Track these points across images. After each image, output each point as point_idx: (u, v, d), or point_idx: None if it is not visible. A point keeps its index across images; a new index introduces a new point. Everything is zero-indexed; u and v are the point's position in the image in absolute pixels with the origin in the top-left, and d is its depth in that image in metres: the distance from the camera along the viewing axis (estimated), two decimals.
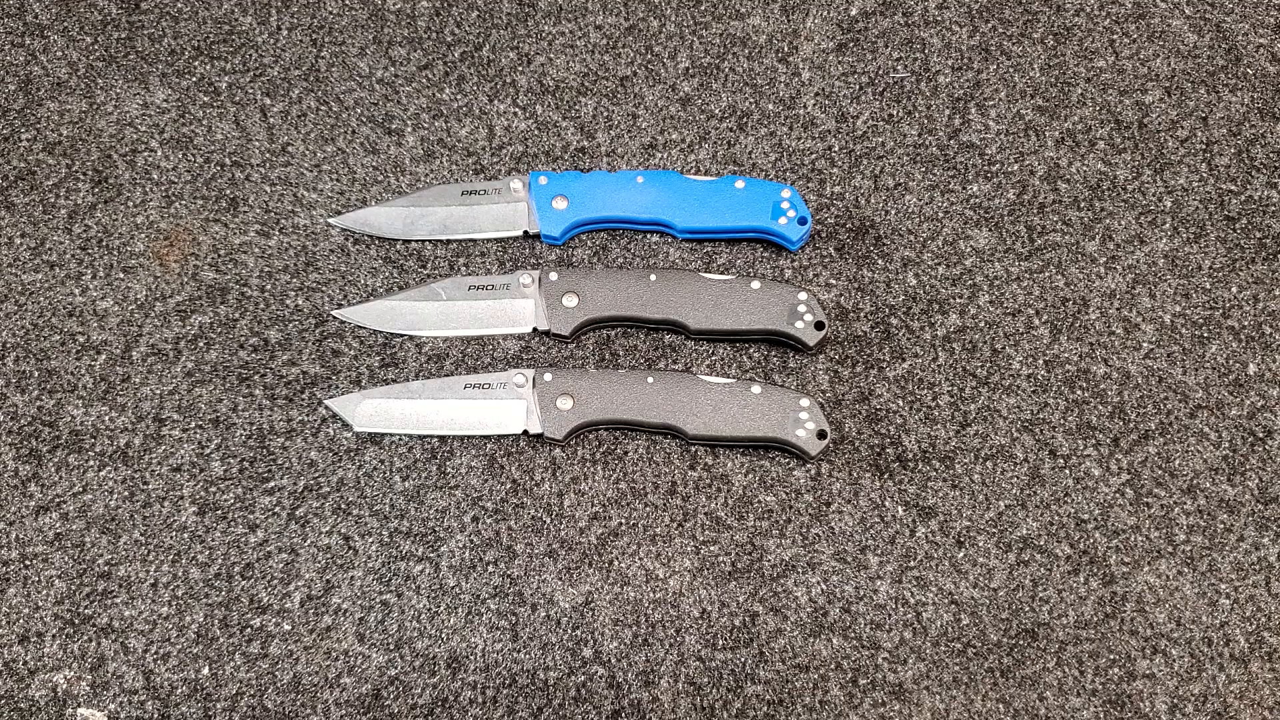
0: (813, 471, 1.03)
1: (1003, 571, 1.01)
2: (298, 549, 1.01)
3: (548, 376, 1.03)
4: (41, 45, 1.19)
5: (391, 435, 1.04)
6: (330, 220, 1.12)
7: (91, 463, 1.03)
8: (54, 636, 0.99)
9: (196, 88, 1.17)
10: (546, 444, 1.04)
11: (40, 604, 0.99)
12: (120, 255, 1.10)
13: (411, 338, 1.08)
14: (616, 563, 1.01)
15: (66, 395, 1.05)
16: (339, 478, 1.03)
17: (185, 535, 1.01)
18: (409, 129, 1.16)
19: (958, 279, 1.10)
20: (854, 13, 1.21)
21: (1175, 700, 0.98)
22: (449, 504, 1.02)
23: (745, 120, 1.16)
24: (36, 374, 1.06)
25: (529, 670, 0.98)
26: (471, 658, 0.98)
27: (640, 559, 1.01)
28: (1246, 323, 1.09)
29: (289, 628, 0.99)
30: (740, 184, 1.09)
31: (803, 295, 1.04)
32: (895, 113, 1.17)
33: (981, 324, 1.08)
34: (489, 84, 1.18)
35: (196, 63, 1.18)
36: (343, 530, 1.01)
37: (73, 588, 1.00)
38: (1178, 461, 1.04)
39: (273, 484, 1.03)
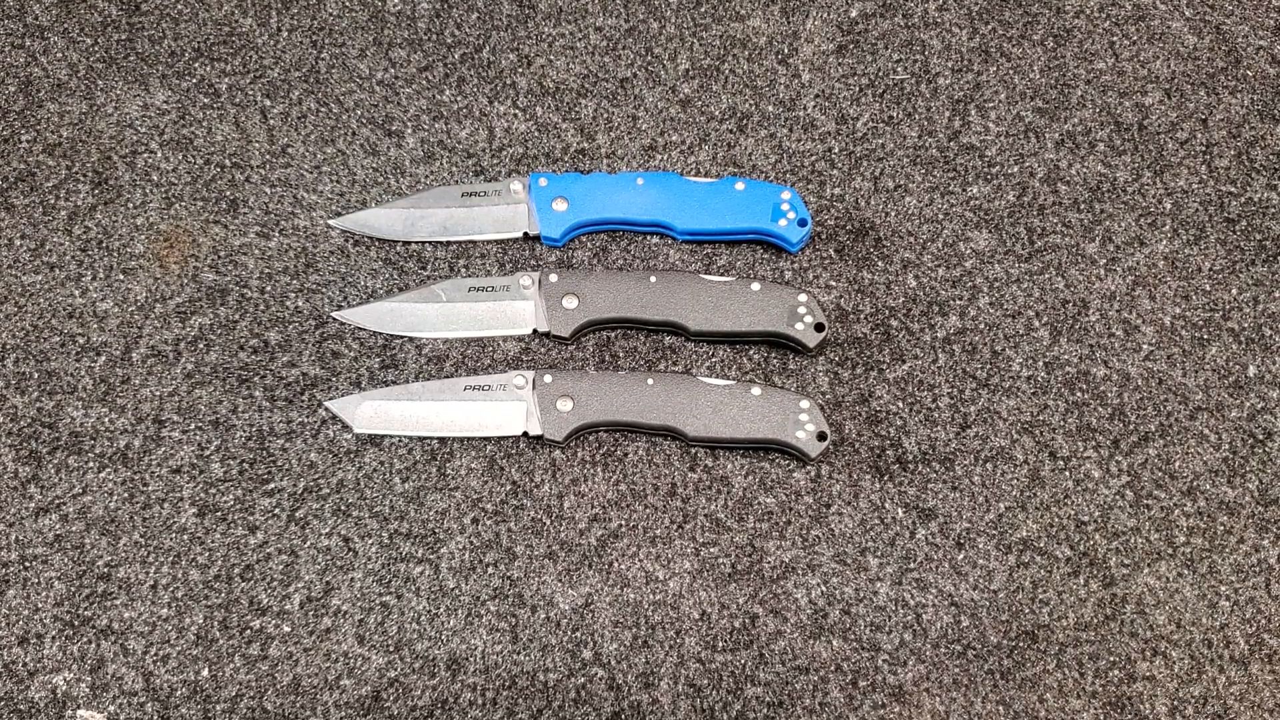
0: (812, 473, 1.03)
1: (1003, 573, 1.01)
2: (297, 551, 1.01)
3: (547, 378, 1.03)
4: (42, 47, 1.19)
5: (391, 437, 1.04)
6: (330, 222, 1.12)
7: (91, 464, 1.03)
8: (54, 638, 0.98)
9: (196, 89, 1.17)
10: (546, 446, 1.04)
11: (40, 605, 0.99)
12: (120, 257, 1.10)
13: (411, 339, 1.08)
14: (616, 564, 1.01)
15: (66, 397, 1.05)
16: (339, 479, 1.03)
17: (185, 537, 1.01)
18: (409, 130, 1.16)
19: (958, 281, 1.10)
20: (854, 14, 1.21)
21: (1175, 702, 0.98)
22: (449, 506, 1.02)
23: (745, 122, 1.16)
24: (36, 375, 1.06)
25: (529, 672, 0.98)
26: (471, 659, 0.98)
27: (640, 561, 1.01)
28: (1246, 325, 1.09)
29: (289, 629, 0.99)
30: (740, 186, 1.09)
31: (803, 297, 1.04)
32: (895, 115, 1.17)
33: (981, 326, 1.08)
34: (489, 86, 1.18)
35: (196, 64, 1.18)
36: (342, 532, 1.01)
37: (72, 589, 1.00)
38: (1178, 463, 1.04)
39: (272, 485, 1.03)
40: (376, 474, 1.03)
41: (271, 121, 1.16)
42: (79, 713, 0.97)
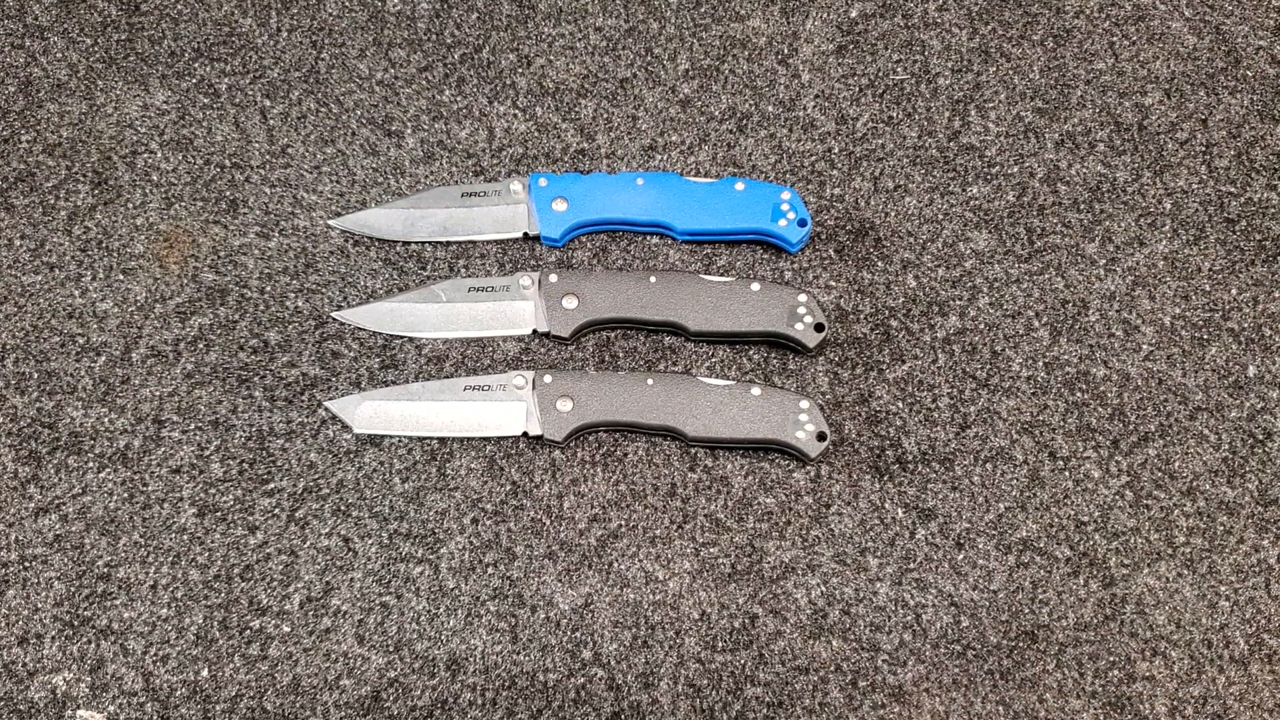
0: (812, 473, 1.03)
1: (1002, 573, 1.01)
2: (297, 551, 1.01)
3: (547, 378, 1.03)
4: (41, 47, 1.19)
5: (391, 437, 1.04)
6: (330, 222, 1.12)
7: (91, 464, 1.03)
8: (53, 638, 0.99)
9: (196, 89, 1.17)
10: (546, 446, 1.04)
11: (40, 605, 0.99)
12: (120, 257, 1.10)
13: (411, 339, 1.08)
14: (616, 565, 1.01)
15: (66, 397, 1.05)
16: (339, 479, 1.03)
17: (185, 537, 1.01)
18: (409, 131, 1.16)
19: (957, 281, 1.10)
20: (854, 15, 1.21)
21: (1175, 702, 0.98)
22: (448, 506, 1.02)
23: (745, 122, 1.16)
24: (36, 376, 1.06)
25: (528, 672, 0.98)
26: (471, 660, 0.98)
27: (640, 561, 1.01)
28: (1246, 325, 1.09)
29: (288, 629, 0.99)
30: (740, 186, 1.09)
31: (802, 297, 1.04)
32: (895, 115, 1.17)
33: (981, 326, 1.08)
34: (489, 86, 1.18)
35: (196, 64, 1.18)
36: (342, 532, 1.01)
37: (72, 589, 1.00)
38: (1177, 463, 1.04)
39: (272, 486, 1.03)
40: (376, 474, 1.03)
41: (271, 121, 1.16)
42: (79, 713, 0.97)
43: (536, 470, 1.03)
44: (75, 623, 0.99)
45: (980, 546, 1.01)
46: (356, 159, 1.14)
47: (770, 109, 1.17)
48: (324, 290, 1.09)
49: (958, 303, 1.09)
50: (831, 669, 0.98)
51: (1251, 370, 1.08)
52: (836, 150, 1.15)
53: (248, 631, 0.99)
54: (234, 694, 0.97)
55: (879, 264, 1.11)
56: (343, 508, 1.02)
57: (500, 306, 1.07)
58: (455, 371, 1.07)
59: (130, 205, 1.12)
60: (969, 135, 1.16)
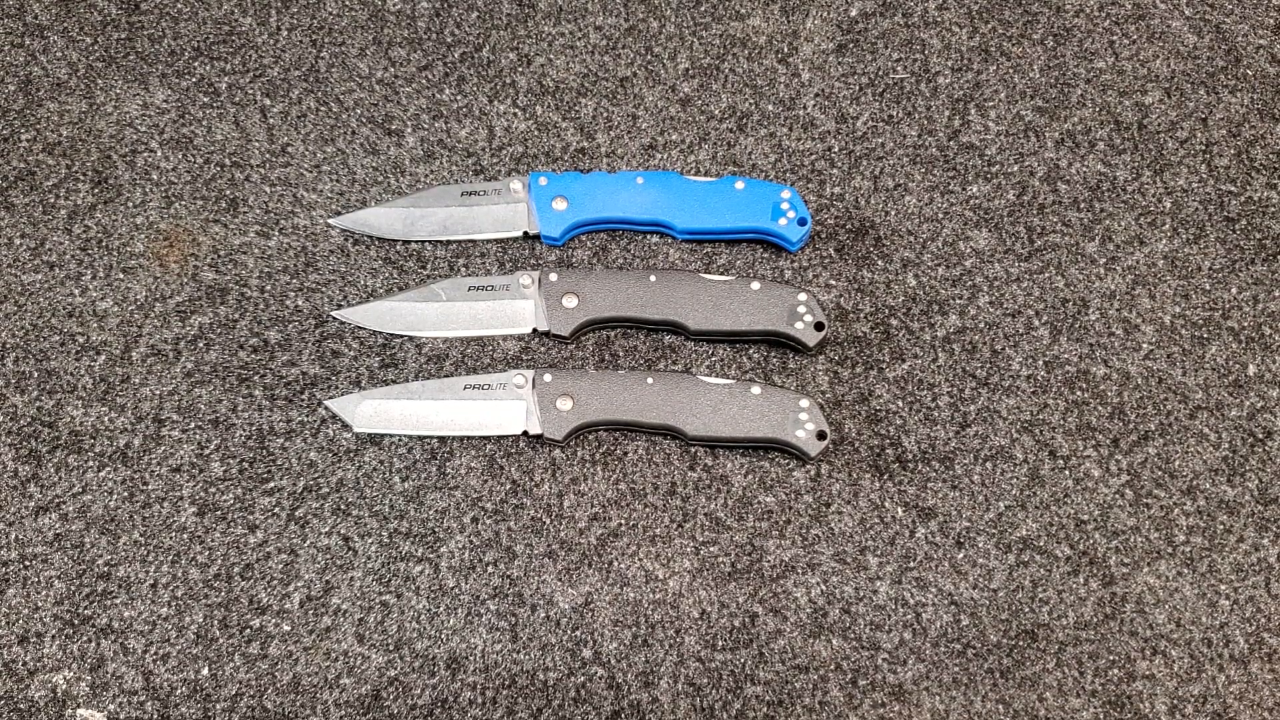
0: (812, 472, 1.03)
1: (1002, 572, 1.01)
2: (297, 550, 1.01)
3: (547, 377, 1.03)
4: (41, 46, 1.19)
5: (391, 436, 1.04)
6: (330, 221, 1.12)
7: (91, 463, 1.03)
8: (53, 637, 0.99)
9: (196, 88, 1.17)
10: (546, 445, 1.04)
11: (40, 604, 0.99)
12: (120, 256, 1.10)
13: (411, 338, 1.08)
14: (616, 563, 1.01)
15: (66, 396, 1.05)
16: (338, 478, 1.03)
17: (185, 536, 1.01)
18: (409, 130, 1.16)
19: (957, 280, 1.10)
20: (854, 14, 1.21)
21: (1175, 701, 0.98)
22: (449, 505, 1.02)
23: (745, 121, 1.16)
24: (36, 374, 1.06)
25: (528, 671, 0.98)
26: (471, 658, 0.98)
27: (640, 560, 1.01)
28: (1246, 324, 1.09)
29: (288, 628, 0.99)
30: (740, 185, 1.09)
31: (802, 296, 1.04)
32: (895, 114, 1.17)
33: (981, 325, 1.08)
34: (489, 85, 1.18)
35: (196, 63, 1.18)
36: (342, 531, 1.01)
37: (72, 588, 1.00)
38: (1177, 462, 1.04)
39: (272, 485, 1.03)
40: (376, 473, 1.03)
41: (271, 120, 1.16)
42: (79, 712, 0.97)
43: (536, 469, 1.03)
44: (75, 621, 0.99)
45: (980, 545, 1.01)
46: (356, 158, 1.14)
47: (770, 108, 1.17)
48: (324, 289, 1.09)
49: (958, 301, 1.09)
50: (831, 668, 0.98)
51: (1251, 369, 1.08)
52: (836, 149, 1.15)
53: (248, 630, 0.99)
54: (234, 693, 0.97)
55: (879, 263, 1.11)
56: (343, 506, 1.02)
57: (500, 305, 1.07)
58: (455, 370, 1.07)
59: (130, 204, 1.12)
60: (969, 134, 1.16)
